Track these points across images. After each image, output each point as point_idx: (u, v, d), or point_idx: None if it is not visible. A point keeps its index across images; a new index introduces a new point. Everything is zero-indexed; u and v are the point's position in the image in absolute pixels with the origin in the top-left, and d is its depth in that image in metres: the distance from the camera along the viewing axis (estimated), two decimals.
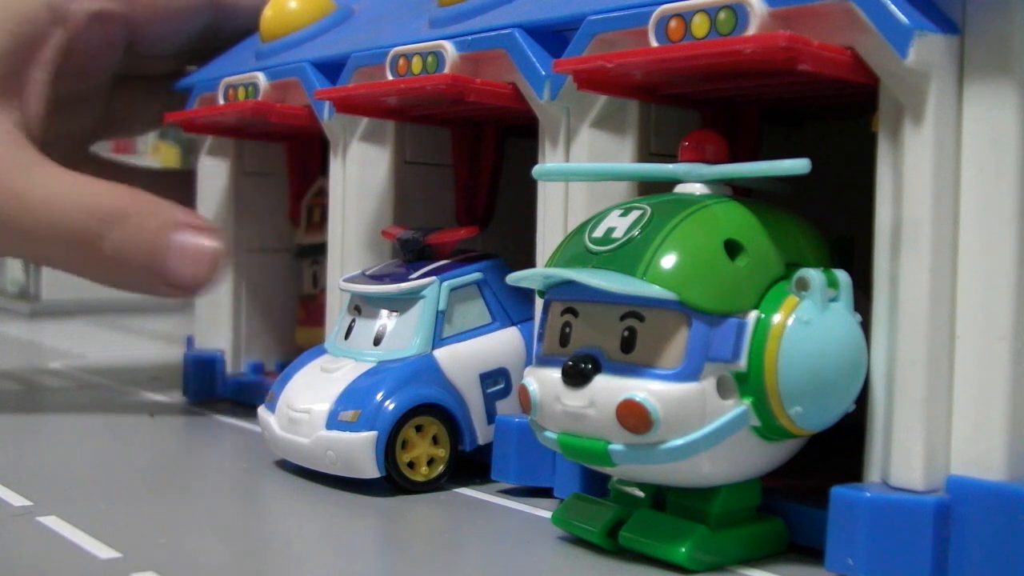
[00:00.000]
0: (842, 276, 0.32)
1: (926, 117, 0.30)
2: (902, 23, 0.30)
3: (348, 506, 0.40)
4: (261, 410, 0.44)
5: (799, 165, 0.31)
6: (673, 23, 0.34)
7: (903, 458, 0.31)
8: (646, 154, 0.39)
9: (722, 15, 0.33)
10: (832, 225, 0.37)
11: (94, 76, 0.61)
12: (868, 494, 0.30)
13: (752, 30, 0.32)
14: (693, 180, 0.34)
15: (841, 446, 0.34)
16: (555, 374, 0.32)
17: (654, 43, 0.35)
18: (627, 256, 0.31)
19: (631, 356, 0.31)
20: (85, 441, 0.44)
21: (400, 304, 0.43)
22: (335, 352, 0.44)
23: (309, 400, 0.42)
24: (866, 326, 0.32)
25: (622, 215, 0.33)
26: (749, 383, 0.31)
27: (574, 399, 0.32)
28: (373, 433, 0.40)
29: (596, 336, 0.32)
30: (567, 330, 0.33)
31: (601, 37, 0.38)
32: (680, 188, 0.35)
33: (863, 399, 0.32)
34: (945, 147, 0.30)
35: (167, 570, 0.31)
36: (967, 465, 0.30)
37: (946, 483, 0.31)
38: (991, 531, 0.29)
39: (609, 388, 0.31)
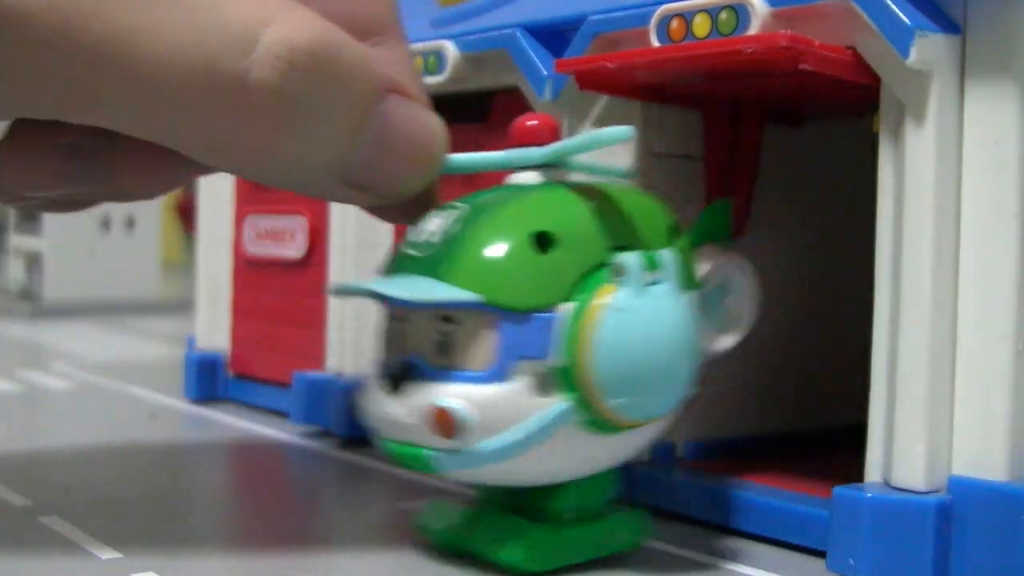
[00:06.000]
0: (666, 256, 0.30)
1: (927, 117, 0.30)
2: (903, 23, 0.30)
3: (351, 506, 0.40)
4: None
5: (621, 133, 0.30)
6: (674, 23, 0.34)
7: (904, 458, 0.31)
8: (649, 154, 0.39)
9: (723, 15, 0.33)
10: (833, 225, 0.37)
11: None
12: (869, 494, 0.30)
13: (753, 30, 0.32)
14: (523, 166, 0.33)
15: (842, 446, 0.34)
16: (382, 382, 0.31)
17: (655, 43, 0.35)
18: (439, 259, 0.30)
19: (447, 360, 0.30)
20: (86, 441, 0.44)
21: None
22: None
23: None
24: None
25: (439, 216, 0.32)
26: (568, 378, 0.29)
27: (394, 407, 0.31)
28: None
29: (419, 342, 0.31)
30: (396, 336, 0.32)
31: (602, 37, 0.38)
32: (512, 178, 0.33)
33: (864, 399, 0.32)
34: (947, 147, 0.30)
35: (168, 571, 0.31)
36: (969, 465, 0.30)
37: (948, 483, 0.31)
38: (993, 531, 0.29)
39: (422, 394, 0.30)
